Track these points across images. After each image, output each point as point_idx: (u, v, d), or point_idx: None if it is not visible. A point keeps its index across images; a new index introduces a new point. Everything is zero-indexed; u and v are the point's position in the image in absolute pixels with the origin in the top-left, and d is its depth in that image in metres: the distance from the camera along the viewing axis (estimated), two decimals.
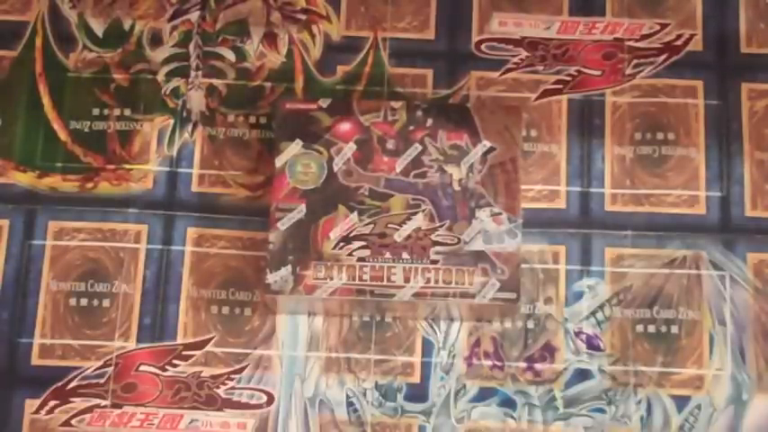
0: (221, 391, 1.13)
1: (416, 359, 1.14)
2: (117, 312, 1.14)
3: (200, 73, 1.21)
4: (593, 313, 1.15)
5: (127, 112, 1.20)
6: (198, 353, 1.14)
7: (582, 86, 1.20)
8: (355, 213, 1.08)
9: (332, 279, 1.07)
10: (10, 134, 1.19)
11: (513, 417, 1.12)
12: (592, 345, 1.14)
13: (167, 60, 1.22)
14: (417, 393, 1.13)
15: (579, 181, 1.18)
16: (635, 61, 1.21)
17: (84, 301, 1.15)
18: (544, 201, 1.18)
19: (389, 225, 1.08)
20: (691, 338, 1.14)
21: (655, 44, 1.22)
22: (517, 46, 1.22)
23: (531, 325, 1.14)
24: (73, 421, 1.12)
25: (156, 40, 1.22)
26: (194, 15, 1.23)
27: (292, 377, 1.13)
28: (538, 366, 1.13)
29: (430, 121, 1.11)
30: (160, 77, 1.21)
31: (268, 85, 1.21)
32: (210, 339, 1.14)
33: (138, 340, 1.14)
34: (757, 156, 1.19)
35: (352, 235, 1.08)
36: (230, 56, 1.22)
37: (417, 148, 1.10)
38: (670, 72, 1.21)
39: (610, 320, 1.14)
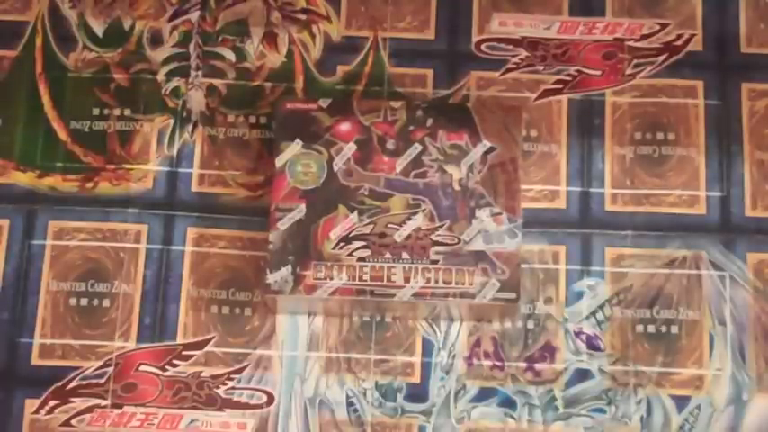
0: (221, 391, 1.13)
1: (416, 359, 1.14)
2: (117, 312, 1.14)
3: (200, 73, 1.21)
4: (593, 313, 1.15)
5: (127, 112, 1.20)
6: (198, 353, 1.14)
7: (582, 86, 1.20)
8: (355, 213, 1.08)
9: (332, 279, 1.07)
10: (10, 134, 1.19)
11: (513, 417, 1.12)
12: (592, 345, 1.14)
13: (167, 60, 1.22)
14: (417, 393, 1.13)
15: (579, 181, 1.18)
16: (635, 61, 1.21)
17: (84, 301, 1.15)
18: (544, 201, 1.18)
19: (389, 225, 1.08)
20: (691, 338, 1.14)
21: (655, 44, 1.22)
22: (517, 46, 1.22)
23: (531, 325, 1.14)
24: (73, 421, 1.12)
25: (156, 40, 1.22)
26: (194, 15, 1.23)
27: (292, 377, 1.13)
28: (538, 366, 1.13)
29: (430, 121, 1.11)
30: (160, 77, 1.21)
31: (268, 85, 1.21)
32: (210, 339, 1.14)
33: (138, 340, 1.14)
34: (757, 156, 1.19)
35: (352, 235, 1.08)
36: (230, 56, 1.22)
37: (417, 148, 1.10)
38: (670, 72, 1.21)
39: (610, 320, 1.14)
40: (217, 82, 1.21)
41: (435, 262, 1.07)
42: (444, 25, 1.23)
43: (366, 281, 1.07)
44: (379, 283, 1.07)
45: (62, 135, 1.19)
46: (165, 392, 1.12)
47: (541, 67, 1.21)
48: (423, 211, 1.08)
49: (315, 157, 1.10)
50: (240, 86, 1.21)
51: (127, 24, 1.23)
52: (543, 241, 1.16)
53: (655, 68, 1.21)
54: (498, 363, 1.13)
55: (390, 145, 1.11)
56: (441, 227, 1.08)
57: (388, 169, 1.10)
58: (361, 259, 1.07)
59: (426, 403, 1.13)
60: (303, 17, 1.23)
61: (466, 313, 1.12)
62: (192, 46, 1.22)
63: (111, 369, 1.13)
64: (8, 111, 1.20)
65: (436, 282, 1.07)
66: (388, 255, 1.07)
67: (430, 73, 1.21)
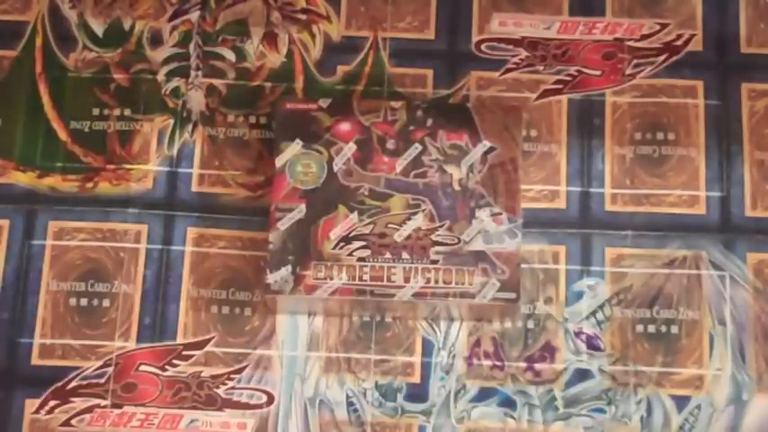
0: (221, 391, 1.13)
1: (416, 359, 1.14)
2: (117, 312, 1.14)
3: (200, 73, 1.21)
4: (594, 313, 1.15)
5: (127, 112, 1.20)
6: (198, 353, 1.14)
7: (582, 86, 1.20)
8: (355, 213, 1.08)
9: (332, 279, 1.07)
10: (10, 134, 1.19)
11: (513, 417, 1.12)
12: (592, 345, 1.14)
13: (167, 60, 1.22)
14: (417, 393, 1.13)
15: (579, 181, 1.18)
16: (635, 61, 1.21)
17: (84, 301, 1.15)
18: (544, 201, 1.18)
19: (389, 225, 1.08)
20: (691, 338, 1.14)
21: (655, 44, 1.22)
22: (517, 46, 1.22)
23: (531, 325, 1.14)
24: (73, 421, 1.12)
25: (156, 40, 1.22)
26: (194, 15, 1.23)
27: (292, 377, 1.13)
28: (538, 366, 1.13)
29: (430, 121, 1.11)
30: (160, 77, 1.21)
31: (268, 85, 1.21)
32: (210, 339, 1.14)
33: (138, 340, 1.14)
34: (757, 156, 1.19)
35: (352, 235, 1.08)
36: (230, 56, 1.22)
37: (417, 148, 1.10)
38: (670, 72, 1.21)
39: (610, 320, 1.14)
40: (217, 82, 1.21)
41: (435, 262, 1.07)
42: (444, 25, 1.23)
43: (366, 281, 1.07)
44: (379, 283, 1.07)
45: (62, 135, 1.19)
46: (165, 392, 1.12)
47: (541, 67, 1.21)
48: (423, 211, 1.08)
49: (315, 157, 1.10)
50: (240, 86, 1.21)
51: (127, 24, 1.23)
52: (543, 241, 1.16)
53: (655, 68, 1.21)
54: (498, 363, 1.13)
55: (390, 145, 1.11)
56: (441, 227, 1.08)
57: (388, 169, 1.10)
58: (361, 259, 1.07)
59: (426, 403, 1.13)
60: (303, 17, 1.23)
61: (466, 313, 1.12)
62: (192, 46, 1.22)
63: (111, 369, 1.13)
64: (8, 111, 1.20)
65: (436, 282, 1.07)
66: (388, 255, 1.07)
67: (430, 73, 1.21)
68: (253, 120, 1.20)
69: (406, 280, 1.07)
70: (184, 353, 1.14)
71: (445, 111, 1.13)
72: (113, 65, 1.21)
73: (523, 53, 1.21)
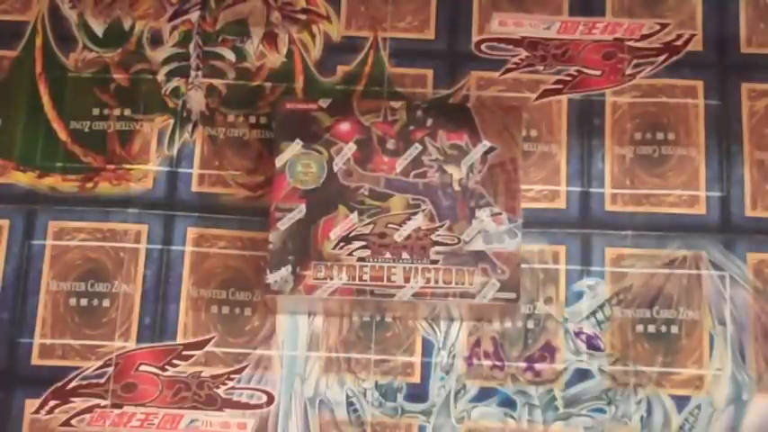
0: (221, 391, 1.13)
1: (416, 359, 1.14)
2: (117, 312, 1.14)
3: (200, 73, 1.21)
4: (594, 313, 1.15)
5: (127, 112, 1.20)
6: (198, 353, 1.14)
7: (582, 86, 1.20)
8: (355, 213, 1.08)
9: (332, 279, 1.07)
10: (10, 134, 1.19)
11: (513, 417, 1.12)
12: (592, 345, 1.14)
13: (167, 60, 1.22)
14: (417, 393, 1.13)
15: (579, 181, 1.18)
16: (635, 61, 1.21)
17: (84, 301, 1.15)
18: (544, 201, 1.18)
19: (389, 225, 1.08)
20: (691, 338, 1.14)
21: (655, 44, 1.22)
22: (517, 46, 1.22)
23: (531, 325, 1.14)
24: (73, 421, 1.12)
25: (156, 40, 1.22)
26: (194, 15, 1.23)
27: (292, 377, 1.13)
28: (538, 366, 1.13)
29: (430, 121, 1.11)
30: (160, 77, 1.21)
31: (268, 85, 1.21)
32: (210, 339, 1.14)
33: (138, 340, 1.14)
34: (757, 156, 1.19)
35: (352, 235, 1.08)
36: (230, 56, 1.22)
37: (417, 148, 1.10)
38: (670, 72, 1.21)
39: (610, 320, 1.14)
40: (217, 82, 1.21)
41: (435, 262, 1.07)
42: (444, 25, 1.23)
43: (366, 281, 1.07)
44: (379, 283, 1.07)
45: (62, 135, 1.19)
46: (165, 392, 1.12)
47: (541, 67, 1.21)
48: (423, 211, 1.08)
49: (315, 157, 1.10)
50: (240, 86, 1.21)
51: (127, 24, 1.23)
52: (543, 241, 1.16)
53: (655, 68, 1.21)
54: (498, 363, 1.13)
55: (390, 145, 1.11)
56: (441, 227, 1.08)
57: (388, 169, 1.10)
58: (361, 259, 1.07)
59: (426, 403, 1.13)
60: (303, 17, 1.23)
61: (466, 313, 1.12)
62: (192, 46, 1.22)
63: (111, 369, 1.13)
64: (8, 111, 1.20)
65: (436, 282, 1.07)
66: (388, 255, 1.07)
67: (430, 73, 1.21)
68: (253, 120, 1.20)
69: (406, 280, 1.07)
70: (184, 353, 1.14)
71: (445, 111, 1.13)
72: (113, 65, 1.21)
73: (523, 53, 1.21)
